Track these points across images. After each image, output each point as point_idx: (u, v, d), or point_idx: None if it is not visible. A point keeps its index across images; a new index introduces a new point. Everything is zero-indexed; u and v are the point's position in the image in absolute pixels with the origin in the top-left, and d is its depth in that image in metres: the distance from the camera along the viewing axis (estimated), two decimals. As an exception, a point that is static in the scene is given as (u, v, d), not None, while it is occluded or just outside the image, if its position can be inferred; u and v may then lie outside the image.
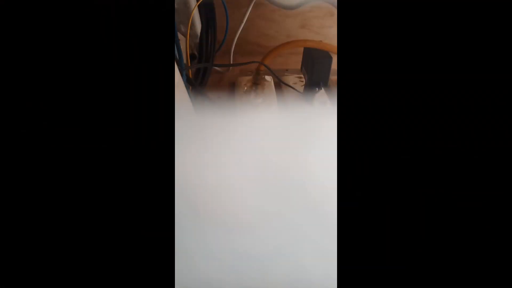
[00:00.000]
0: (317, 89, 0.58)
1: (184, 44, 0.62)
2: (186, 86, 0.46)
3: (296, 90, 0.63)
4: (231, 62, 0.83)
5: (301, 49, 0.63)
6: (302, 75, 0.67)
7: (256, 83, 0.60)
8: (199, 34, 0.67)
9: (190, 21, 0.59)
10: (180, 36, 0.60)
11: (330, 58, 0.55)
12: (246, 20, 0.69)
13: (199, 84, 0.72)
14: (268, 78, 0.67)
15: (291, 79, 0.68)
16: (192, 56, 0.70)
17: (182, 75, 0.49)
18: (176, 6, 0.57)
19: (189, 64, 0.66)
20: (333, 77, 0.63)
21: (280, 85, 0.66)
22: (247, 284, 0.21)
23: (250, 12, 0.68)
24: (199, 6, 0.58)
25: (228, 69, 0.84)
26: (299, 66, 0.63)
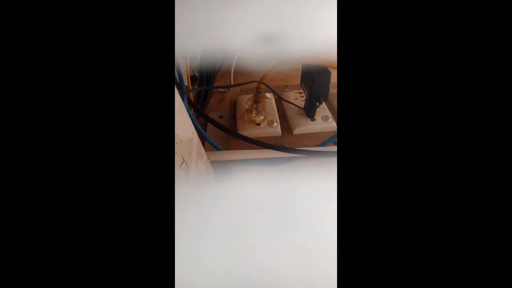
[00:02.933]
0: (317, 103, 0.58)
1: (184, 66, 0.63)
2: (187, 108, 0.46)
3: (296, 106, 0.64)
4: (231, 83, 0.84)
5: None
6: (302, 91, 0.68)
7: (257, 101, 0.61)
8: (199, 55, 0.68)
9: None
10: (180, 59, 0.61)
11: (329, 73, 0.55)
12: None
13: (200, 105, 0.73)
14: (269, 95, 0.68)
15: (291, 95, 0.69)
16: (193, 78, 0.71)
17: (183, 98, 0.50)
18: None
19: (190, 87, 0.67)
20: (333, 90, 0.63)
21: (281, 101, 0.67)
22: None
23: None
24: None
25: (228, 89, 0.86)
26: (299, 82, 0.64)
